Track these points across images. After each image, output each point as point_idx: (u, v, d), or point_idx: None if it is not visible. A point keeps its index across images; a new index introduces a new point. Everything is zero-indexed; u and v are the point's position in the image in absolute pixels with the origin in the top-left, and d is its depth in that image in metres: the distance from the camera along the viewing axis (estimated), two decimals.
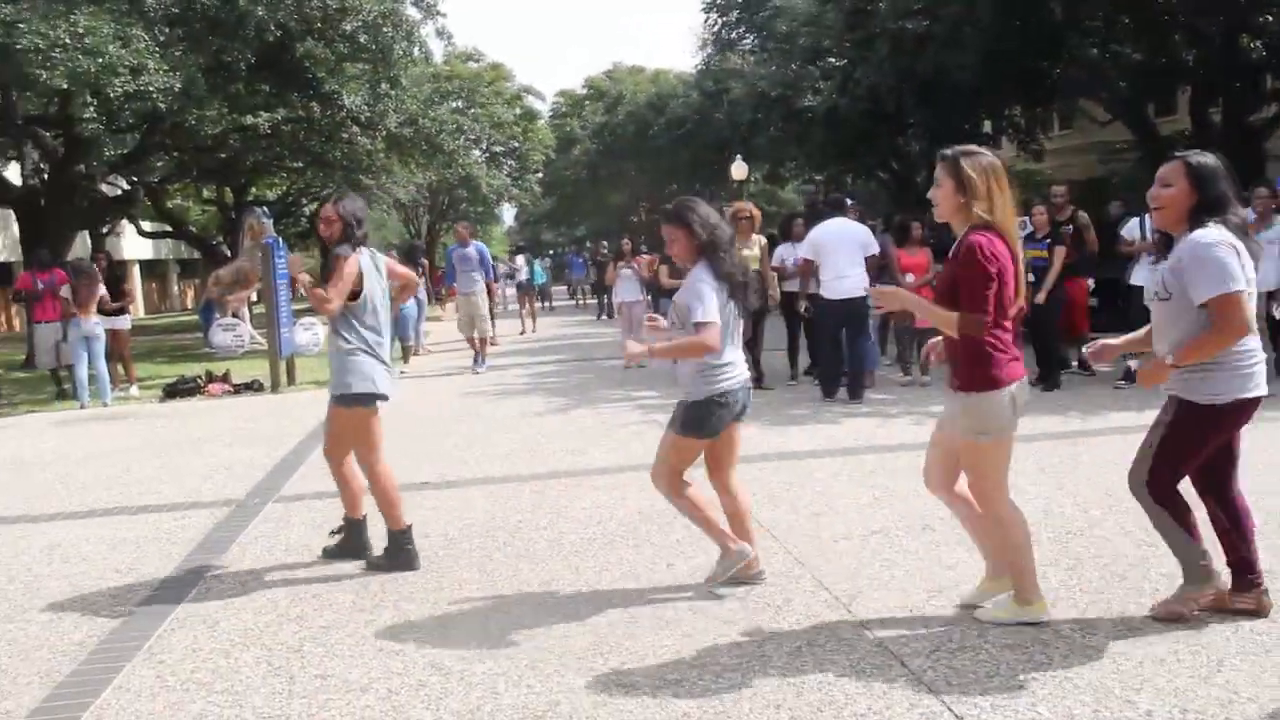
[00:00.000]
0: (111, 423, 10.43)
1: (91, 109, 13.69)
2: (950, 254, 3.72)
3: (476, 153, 36.91)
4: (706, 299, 4.07)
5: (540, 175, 47.05)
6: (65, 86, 13.08)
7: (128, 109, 14.95)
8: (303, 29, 15.13)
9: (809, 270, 9.56)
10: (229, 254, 26.19)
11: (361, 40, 15.18)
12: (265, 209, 14.35)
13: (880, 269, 9.48)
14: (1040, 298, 9.01)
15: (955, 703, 3.20)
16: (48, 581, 5.07)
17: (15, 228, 27.22)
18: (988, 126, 23.14)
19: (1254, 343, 3.56)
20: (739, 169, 28.38)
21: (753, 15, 26.65)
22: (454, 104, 36.59)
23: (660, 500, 5.85)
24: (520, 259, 26.14)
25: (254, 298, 14.97)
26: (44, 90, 14.89)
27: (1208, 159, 3.58)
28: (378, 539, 5.02)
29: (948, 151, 3.68)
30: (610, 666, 3.62)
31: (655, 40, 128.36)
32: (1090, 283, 10.34)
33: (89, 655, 4.04)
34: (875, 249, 9.36)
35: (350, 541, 5.08)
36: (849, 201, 10.66)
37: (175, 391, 12.29)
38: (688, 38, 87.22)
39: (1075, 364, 9.79)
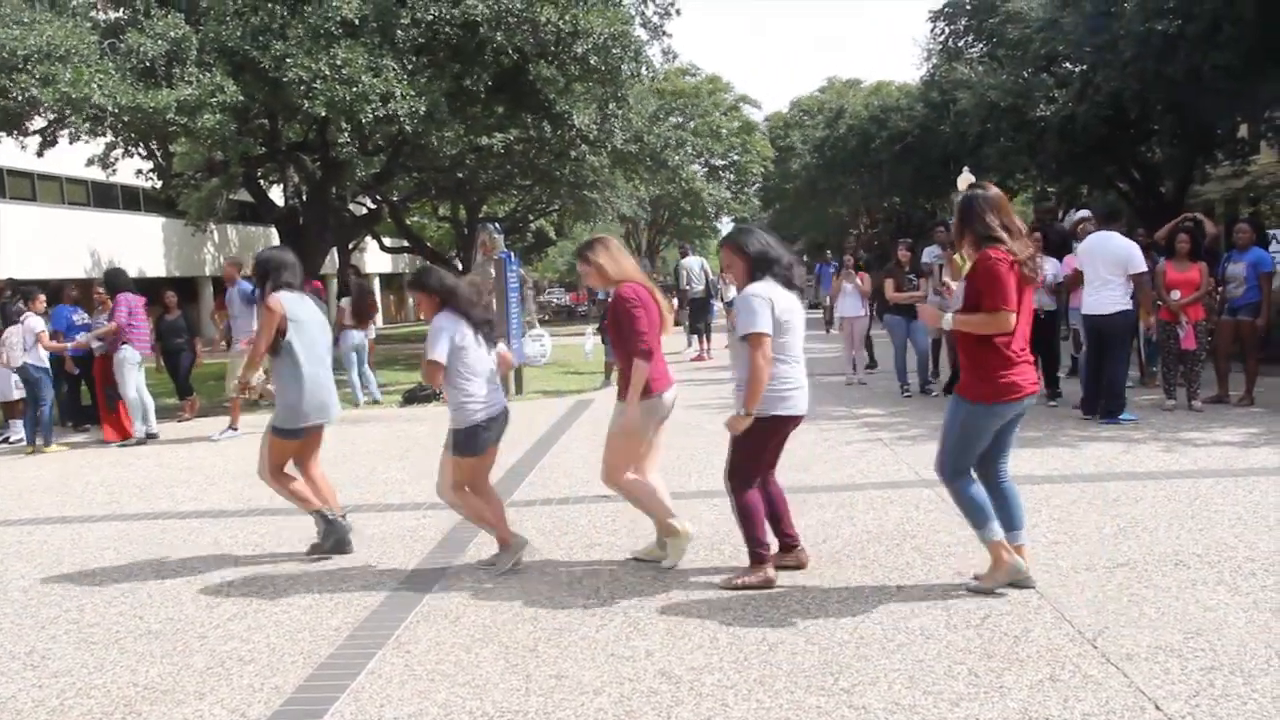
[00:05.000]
0: (356, 427, 11.17)
1: (346, 134, 14.76)
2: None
3: (697, 166, 37.32)
4: (439, 341, 5.04)
5: (758, 187, 46.98)
6: (324, 114, 14.17)
7: (377, 133, 16.03)
8: (537, 53, 15.74)
9: (1076, 282, 9.49)
10: (461, 268, 27.65)
11: (592, 62, 15.61)
12: (497, 225, 15.01)
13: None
14: None
15: None
16: (308, 570, 5.50)
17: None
18: (1243, 130, 21.34)
19: (791, 373, 4.64)
20: (965, 181, 27.47)
21: (981, 23, 25.66)
22: (675, 119, 37.20)
23: (890, 521, 5.77)
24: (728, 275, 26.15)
25: None
26: (305, 118, 16.20)
27: (743, 236, 4.78)
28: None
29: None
30: (841, 687, 3.57)
31: (872, 51, 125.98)
32: None
33: (344, 641, 4.35)
34: (1138, 268, 8.70)
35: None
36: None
37: (414, 398, 13.08)
38: (910, 49, 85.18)
39: None
